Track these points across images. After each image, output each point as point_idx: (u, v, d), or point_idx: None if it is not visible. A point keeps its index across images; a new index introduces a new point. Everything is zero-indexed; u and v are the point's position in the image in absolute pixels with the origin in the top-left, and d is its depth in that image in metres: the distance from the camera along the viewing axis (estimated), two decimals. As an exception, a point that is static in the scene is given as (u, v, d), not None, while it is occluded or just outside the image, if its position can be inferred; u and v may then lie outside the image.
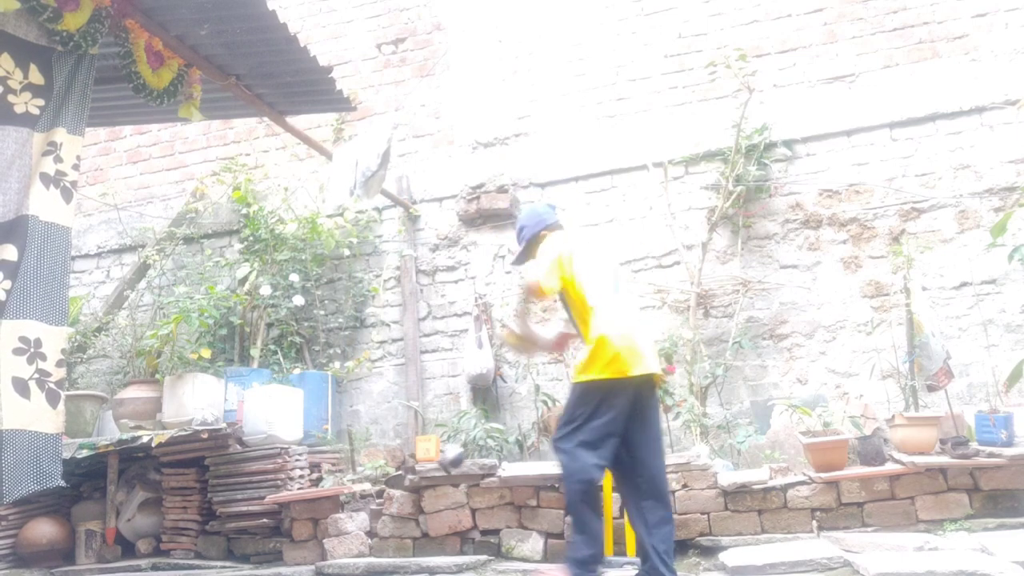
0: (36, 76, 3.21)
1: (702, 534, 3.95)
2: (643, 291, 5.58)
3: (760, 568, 3.30)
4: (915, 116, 5.32)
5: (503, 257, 5.91)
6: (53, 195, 3.17)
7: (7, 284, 3.02)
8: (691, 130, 5.66)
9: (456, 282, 6.05)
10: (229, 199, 6.57)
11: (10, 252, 3.05)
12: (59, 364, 3.12)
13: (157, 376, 5.56)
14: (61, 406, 3.12)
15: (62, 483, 3.11)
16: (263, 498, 4.62)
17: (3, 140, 3.06)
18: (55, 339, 3.12)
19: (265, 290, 5.84)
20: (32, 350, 3.04)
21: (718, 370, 5.04)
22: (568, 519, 3.47)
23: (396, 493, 4.46)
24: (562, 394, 5.40)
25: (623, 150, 5.81)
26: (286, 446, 4.86)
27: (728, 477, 4.03)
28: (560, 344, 3.76)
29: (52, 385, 3.09)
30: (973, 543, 3.34)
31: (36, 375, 3.04)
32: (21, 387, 3.00)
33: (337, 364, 5.94)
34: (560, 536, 4.09)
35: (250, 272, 5.98)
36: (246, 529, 4.77)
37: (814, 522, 3.87)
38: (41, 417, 3.04)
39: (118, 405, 5.36)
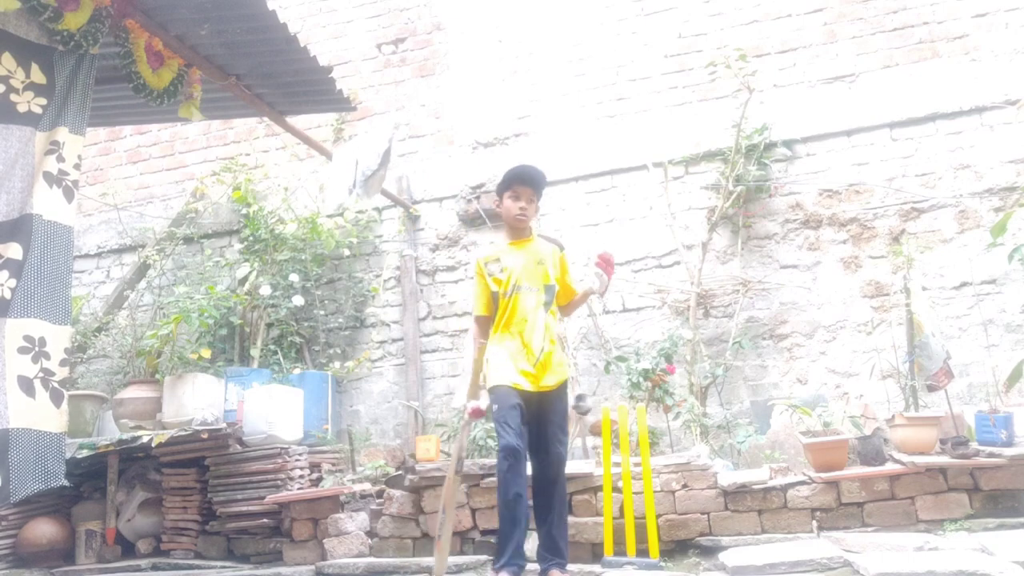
0: (38, 75, 3.21)
1: (702, 534, 3.95)
2: (643, 291, 5.58)
3: (760, 568, 3.29)
4: (915, 116, 5.33)
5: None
6: (56, 194, 3.17)
7: (12, 283, 3.03)
8: (691, 130, 5.67)
9: (456, 282, 6.05)
10: (229, 199, 6.57)
11: (15, 251, 3.06)
12: (63, 363, 3.12)
13: (157, 376, 5.56)
14: (65, 405, 3.12)
15: (66, 482, 3.11)
16: (263, 498, 4.61)
17: (7, 139, 3.06)
18: (59, 338, 3.12)
19: (265, 290, 5.84)
20: (36, 349, 3.05)
21: (718, 370, 5.04)
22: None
23: (396, 493, 4.45)
24: (562, 394, 5.40)
25: (623, 150, 5.81)
26: (286, 446, 4.86)
27: (728, 477, 4.03)
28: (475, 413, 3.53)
29: (56, 384, 3.09)
30: (973, 543, 3.33)
31: (41, 374, 3.05)
32: (26, 386, 3.00)
33: (337, 364, 5.94)
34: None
35: (250, 272, 5.98)
36: (246, 529, 4.76)
37: (814, 522, 3.86)
38: (46, 416, 3.04)
39: (118, 405, 5.36)
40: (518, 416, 3.32)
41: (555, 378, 3.47)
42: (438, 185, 6.24)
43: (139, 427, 5.17)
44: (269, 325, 6.01)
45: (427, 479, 4.35)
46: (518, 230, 3.65)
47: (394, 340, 6.13)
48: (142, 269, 6.60)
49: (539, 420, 3.45)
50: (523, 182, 3.59)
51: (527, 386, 3.40)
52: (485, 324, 3.62)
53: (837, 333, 5.24)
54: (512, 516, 3.26)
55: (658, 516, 3.89)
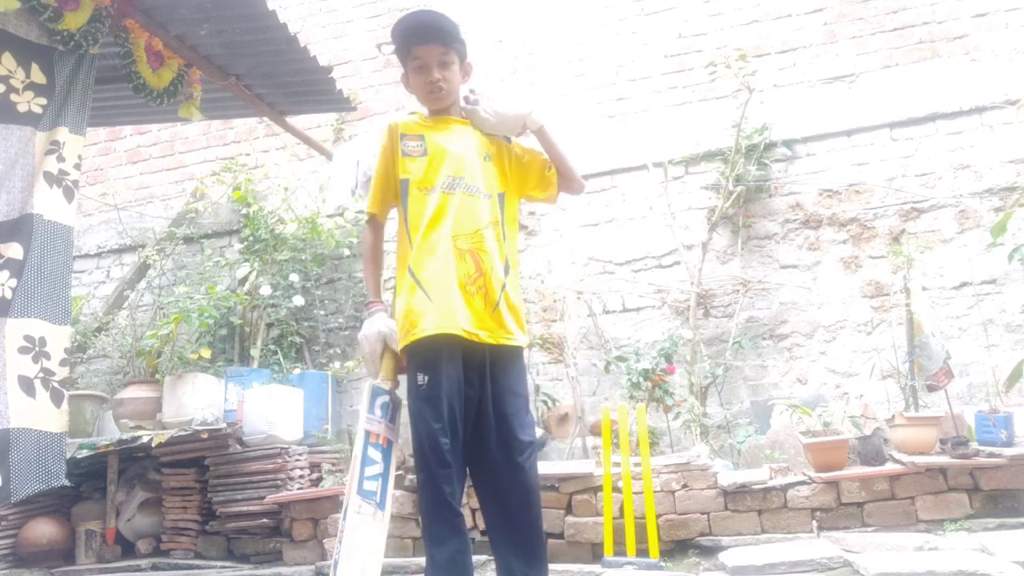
0: (38, 75, 3.22)
1: (702, 534, 3.94)
2: (643, 291, 5.58)
3: (760, 568, 3.29)
4: (915, 116, 5.33)
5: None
6: (56, 194, 3.18)
7: (12, 283, 3.03)
8: (691, 130, 5.67)
9: (456, 282, 6.04)
10: (229, 199, 6.57)
11: (15, 251, 3.06)
12: (63, 363, 3.13)
13: (157, 376, 5.56)
14: (65, 405, 3.13)
15: (67, 482, 3.12)
16: (263, 498, 4.61)
17: (7, 139, 3.07)
18: (59, 338, 3.13)
19: (265, 290, 5.84)
20: (37, 349, 3.06)
21: (718, 370, 5.04)
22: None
23: (396, 493, 4.45)
24: (562, 393, 5.40)
25: (623, 150, 5.81)
26: (286, 446, 4.86)
27: (728, 477, 4.02)
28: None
29: (56, 384, 3.10)
30: (973, 543, 3.33)
31: (41, 374, 3.05)
32: (27, 386, 3.01)
33: (337, 364, 5.93)
34: (560, 536, 4.08)
35: (250, 272, 5.98)
36: (246, 529, 4.76)
37: (814, 522, 3.86)
38: (46, 416, 3.05)
39: (118, 405, 5.36)
40: (443, 411, 2.14)
41: (520, 332, 2.34)
42: (438, 185, 6.23)
43: (139, 427, 5.16)
44: (269, 325, 6.01)
45: (427, 479, 4.34)
46: (441, 109, 2.46)
47: (394, 340, 6.11)
48: (142, 269, 6.59)
49: (494, 395, 2.26)
50: (421, 39, 2.32)
51: (481, 334, 2.22)
52: (380, 234, 2.46)
53: (837, 333, 5.24)
54: None
55: (658, 516, 3.89)
